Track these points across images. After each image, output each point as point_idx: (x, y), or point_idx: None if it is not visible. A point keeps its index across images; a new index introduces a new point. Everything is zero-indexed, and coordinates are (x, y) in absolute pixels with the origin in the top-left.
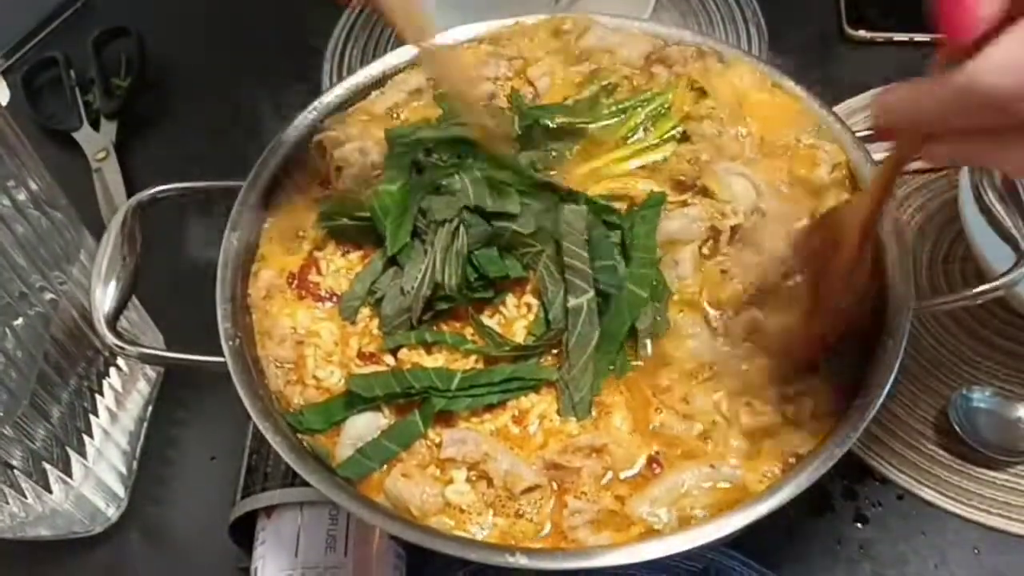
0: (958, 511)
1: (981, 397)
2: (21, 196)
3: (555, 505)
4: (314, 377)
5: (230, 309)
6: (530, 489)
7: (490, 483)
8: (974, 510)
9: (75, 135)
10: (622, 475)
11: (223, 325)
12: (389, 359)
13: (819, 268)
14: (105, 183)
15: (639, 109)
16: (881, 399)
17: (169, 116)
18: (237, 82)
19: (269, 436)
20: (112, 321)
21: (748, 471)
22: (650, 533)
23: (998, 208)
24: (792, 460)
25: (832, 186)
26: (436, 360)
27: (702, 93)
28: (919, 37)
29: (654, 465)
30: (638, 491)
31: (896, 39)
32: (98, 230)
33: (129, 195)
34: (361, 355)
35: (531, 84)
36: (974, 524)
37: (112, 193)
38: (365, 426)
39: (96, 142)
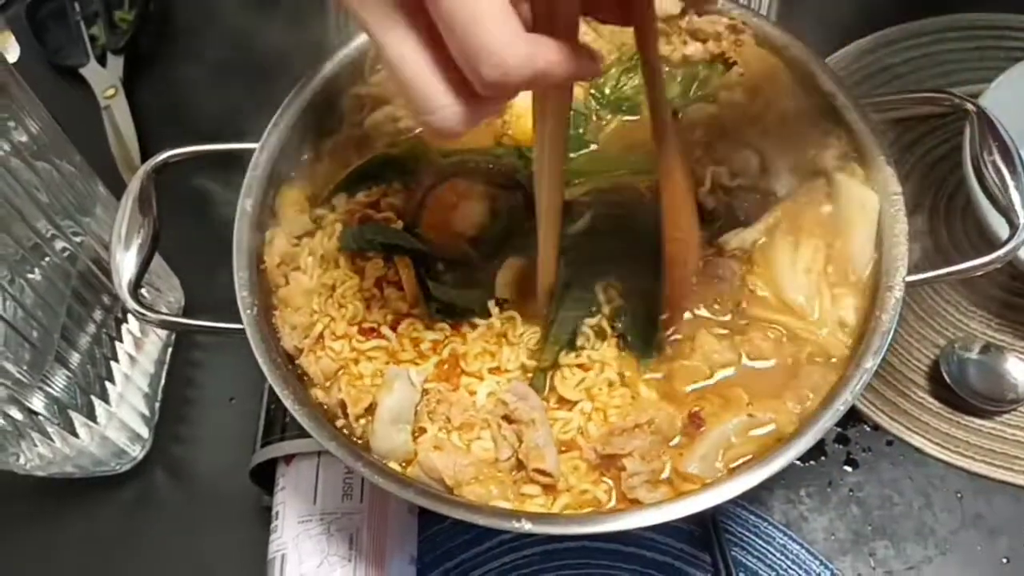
0: (944, 457)
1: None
2: (23, 138)
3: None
4: (328, 347)
5: (247, 277)
6: (541, 472)
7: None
8: (960, 456)
9: (83, 71)
10: (672, 443)
11: (240, 294)
12: (389, 333)
13: None
14: (115, 122)
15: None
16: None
17: (176, 52)
18: (246, 16)
19: (288, 404)
20: (134, 288)
21: (779, 413)
22: (705, 487)
23: (995, 180)
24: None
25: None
26: (438, 334)
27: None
28: None
29: (697, 420)
30: (687, 451)
31: None
32: (112, 174)
33: (139, 135)
34: (363, 331)
35: None
36: (958, 470)
37: (123, 132)
38: (398, 402)
39: (104, 79)
